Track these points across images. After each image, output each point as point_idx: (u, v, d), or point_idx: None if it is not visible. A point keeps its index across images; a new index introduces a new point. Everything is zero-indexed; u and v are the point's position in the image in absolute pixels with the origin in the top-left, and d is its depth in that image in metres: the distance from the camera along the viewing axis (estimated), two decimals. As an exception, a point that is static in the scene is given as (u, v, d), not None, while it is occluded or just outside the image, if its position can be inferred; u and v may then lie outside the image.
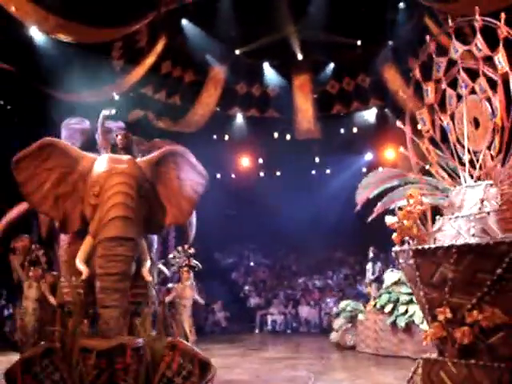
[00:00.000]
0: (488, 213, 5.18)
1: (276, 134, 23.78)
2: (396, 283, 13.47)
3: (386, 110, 22.09)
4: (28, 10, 14.54)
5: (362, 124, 22.87)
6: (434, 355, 5.29)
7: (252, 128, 23.11)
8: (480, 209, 5.28)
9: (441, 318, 5.03)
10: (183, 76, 21.71)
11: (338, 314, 15.57)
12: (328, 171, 25.51)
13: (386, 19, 19.92)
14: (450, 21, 6.65)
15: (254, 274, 24.90)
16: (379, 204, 7.14)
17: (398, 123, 6.50)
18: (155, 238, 8.46)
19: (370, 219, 7.08)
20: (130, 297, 6.95)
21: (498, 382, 4.56)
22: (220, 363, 9.61)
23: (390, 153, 21.97)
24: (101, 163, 7.27)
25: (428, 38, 6.48)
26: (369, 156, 24.38)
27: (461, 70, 6.28)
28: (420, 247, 5.26)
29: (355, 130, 22.94)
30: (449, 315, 4.95)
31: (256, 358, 12.96)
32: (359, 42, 21.16)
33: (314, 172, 26.04)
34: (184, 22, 19.86)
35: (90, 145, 8.43)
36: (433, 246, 5.18)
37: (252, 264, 26.37)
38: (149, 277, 6.98)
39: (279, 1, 18.88)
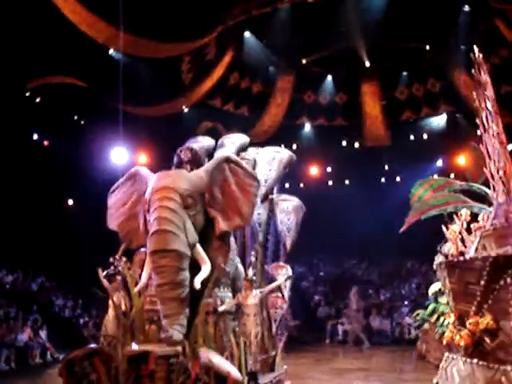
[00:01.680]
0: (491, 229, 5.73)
1: (344, 142, 23.77)
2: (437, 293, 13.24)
3: (458, 115, 21.68)
4: (100, 28, 15.17)
5: (432, 130, 22.55)
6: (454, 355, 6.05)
7: (320, 136, 23.22)
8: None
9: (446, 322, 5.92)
10: (251, 87, 22.08)
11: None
12: (398, 179, 25.22)
13: (453, 22, 19.65)
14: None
15: (325, 284, 24.81)
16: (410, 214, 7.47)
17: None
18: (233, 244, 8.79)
19: (401, 231, 7.36)
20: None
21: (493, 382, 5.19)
22: (291, 372, 9.75)
23: (461, 159, 21.50)
24: (153, 181, 7.64)
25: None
26: (440, 162, 23.95)
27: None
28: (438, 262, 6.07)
29: (425, 136, 22.65)
30: (453, 320, 5.80)
31: (327, 368, 12.93)
32: (428, 47, 20.89)
33: (383, 180, 25.81)
34: (247, 34, 20.14)
35: None
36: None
37: (322, 274, 26.29)
38: (198, 285, 7.13)
39: (344, 9, 18.84)
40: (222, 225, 7.82)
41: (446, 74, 21.13)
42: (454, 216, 6.10)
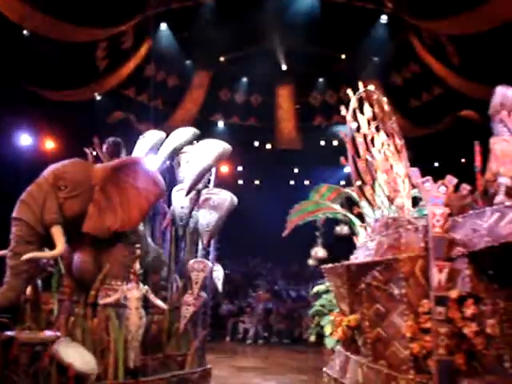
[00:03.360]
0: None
1: (256, 143, 24.08)
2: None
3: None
4: (15, 7, 14.62)
5: (342, 137, 23.26)
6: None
7: (233, 135, 23.38)
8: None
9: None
10: (166, 80, 21.91)
11: None
12: (307, 182, 25.84)
13: (369, 33, 20.41)
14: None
15: (228, 282, 24.99)
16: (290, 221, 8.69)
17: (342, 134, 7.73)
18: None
19: (284, 235, 8.90)
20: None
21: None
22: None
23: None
24: None
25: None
26: (348, 169, 24.69)
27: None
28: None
29: (335, 142, 23.36)
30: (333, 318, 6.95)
31: (226, 366, 13.08)
32: (343, 56, 21.56)
33: (292, 182, 26.37)
34: (163, 26, 19.99)
35: None
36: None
37: (227, 272, 26.44)
38: (26, 257, 7.07)
39: (265, 10, 19.13)
40: (87, 225, 7.86)
41: (358, 84, 21.87)
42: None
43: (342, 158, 7.51)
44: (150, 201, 8.31)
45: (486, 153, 6.08)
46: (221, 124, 23.67)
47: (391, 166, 7.53)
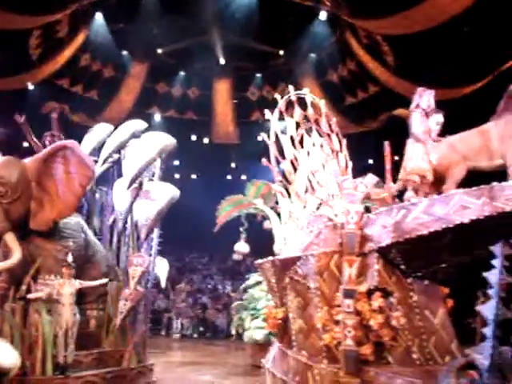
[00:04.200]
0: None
1: (194, 137, 24.14)
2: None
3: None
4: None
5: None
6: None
7: (169, 129, 23.23)
8: None
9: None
10: (102, 71, 21.72)
11: None
12: (244, 177, 26.10)
13: (308, 30, 20.78)
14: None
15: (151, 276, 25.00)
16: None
17: (265, 137, 7.94)
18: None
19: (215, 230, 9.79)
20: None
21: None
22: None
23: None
24: None
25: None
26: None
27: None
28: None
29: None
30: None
31: (160, 361, 13.03)
32: (281, 52, 21.86)
33: (229, 177, 26.56)
34: (98, 16, 19.86)
35: None
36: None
37: (163, 266, 26.47)
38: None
39: (204, 4, 19.25)
40: (34, 222, 7.95)
41: (296, 81, 22.26)
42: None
43: (264, 160, 7.72)
44: (83, 184, 8.39)
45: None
46: (157, 117, 23.65)
47: (323, 166, 7.79)
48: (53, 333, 7.55)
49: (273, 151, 7.50)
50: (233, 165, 25.98)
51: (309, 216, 7.09)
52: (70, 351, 7.63)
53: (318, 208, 7.52)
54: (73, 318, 7.71)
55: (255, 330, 12.75)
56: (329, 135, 8.05)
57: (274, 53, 21.96)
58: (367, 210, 6.34)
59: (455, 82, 16.60)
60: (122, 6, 19.39)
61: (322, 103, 8.22)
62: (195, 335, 20.25)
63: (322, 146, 8.04)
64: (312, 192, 7.37)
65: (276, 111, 7.83)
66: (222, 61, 21.94)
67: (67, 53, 19.75)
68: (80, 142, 9.62)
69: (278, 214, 12.44)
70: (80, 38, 19.76)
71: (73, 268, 7.82)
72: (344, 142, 8.16)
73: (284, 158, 7.75)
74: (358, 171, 7.68)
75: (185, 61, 22.51)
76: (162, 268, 11.19)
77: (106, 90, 21.97)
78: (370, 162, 21.55)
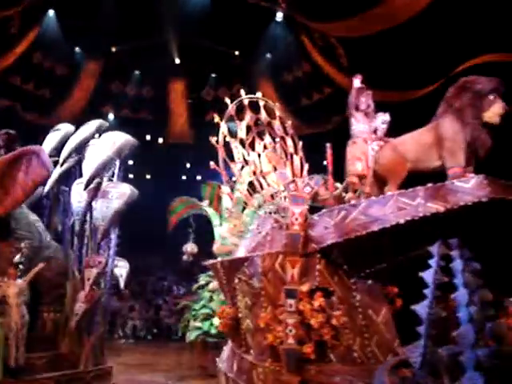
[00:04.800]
0: None
1: (148, 137, 24.05)
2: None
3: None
4: None
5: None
6: None
7: (124, 128, 23.18)
8: None
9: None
10: (54, 68, 21.46)
11: None
12: (199, 177, 26.12)
13: (264, 31, 20.89)
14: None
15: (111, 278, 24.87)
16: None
17: (213, 141, 8.20)
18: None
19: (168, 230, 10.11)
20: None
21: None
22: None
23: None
24: None
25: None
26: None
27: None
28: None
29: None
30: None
31: (114, 363, 13.03)
32: (237, 53, 21.97)
33: (184, 177, 26.54)
34: (50, 12, 19.63)
35: None
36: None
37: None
38: None
39: (160, 3, 19.22)
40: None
41: (251, 81, 22.40)
42: None
43: (212, 163, 7.87)
44: (35, 180, 8.38)
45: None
46: (111, 116, 23.47)
47: (274, 168, 7.95)
48: (3, 335, 7.50)
49: (221, 154, 7.63)
50: (188, 165, 25.96)
51: (261, 218, 7.25)
52: (21, 354, 7.59)
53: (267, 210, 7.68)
54: (21, 320, 7.67)
55: (192, 331, 12.91)
56: (283, 138, 8.17)
57: (229, 53, 22.02)
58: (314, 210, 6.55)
59: (409, 84, 16.96)
60: (76, 2, 19.21)
61: (276, 106, 8.34)
62: (149, 337, 20.23)
63: (274, 148, 8.17)
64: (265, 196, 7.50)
65: (226, 115, 7.97)
66: (178, 60, 21.92)
67: (18, 50, 19.47)
68: (32, 141, 9.56)
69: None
70: (32, 35, 19.48)
71: (18, 268, 7.79)
72: (300, 144, 8.28)
73: (233, 161, 7.89)
74: (316, 172, 7.85)
75: (140, 60, 22.40)
76: (122, 269, 11.20)
77: (59, 89, 21.70)
78: (325, 163, 21.85)
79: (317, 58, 20.79)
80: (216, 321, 11.86)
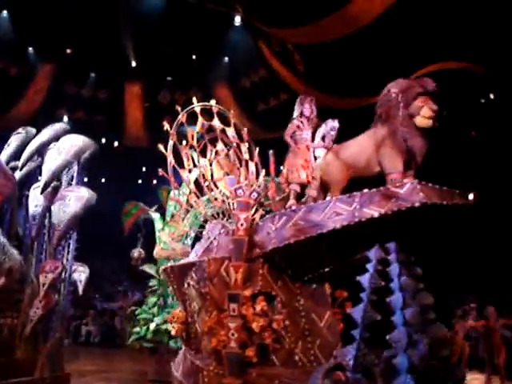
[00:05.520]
0: None
1: (104, 140, 23.94)
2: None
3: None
4: None
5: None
6: None
7: (78, 131, 23.00)
8: None
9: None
10: (8, 69, 21.21)
11: None
12: (154, 181, 26.06)
13: (223, 36, 21.06)
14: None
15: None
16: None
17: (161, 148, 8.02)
18: None
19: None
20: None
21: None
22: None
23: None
24: None
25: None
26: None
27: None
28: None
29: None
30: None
31: (67, 370, 12.89)
32: (194, 57, 22.03)
33: (140, 181, 26.46)
34: (4, 13, 19.46)
35: None
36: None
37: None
38: None
39: (117, 5, 19.18)
40: None
41: (209, 86, 22.50)
42: None
43: (160, 170, 7.93)
44: (2, 193, 8.36)
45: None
46: (65, 119, 23.26)
47: (226, 174, 8.05)
48: None
49: (169, 161, 7.71)
50: (143, 169, 25.91)
51: (212, 224, 7.36)
52: None
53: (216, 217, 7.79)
54: None
55: (132, 336, 13.00)
56: (238, 145, 8.22)
57: (186, 57, 22.06)
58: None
59: (364, 90, 17.30)
60: (30, 4, 19.04)
61: (231, 113, 8.39)
62: (103, 342, 20.12)
63: (227, 155, 8.26)
64: (214, 201, 7.61)
65: (176, 122, 8.04)
66: (134, 63, 21.88)
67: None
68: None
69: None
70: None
71: None
72: (256, 150, 8.30)
73: (183, 167, 7.98)
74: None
75: (95, 62, 22.26)
76: (81, 274, 11.12)
77: (12, 89, 21.45)
78: (282, 167, 22.06)
79: (274, 64, 21.01)
80: (152, 325, 12.02)
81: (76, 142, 9.97)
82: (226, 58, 22.30)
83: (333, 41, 17.10)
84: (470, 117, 17.79)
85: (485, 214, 17.11)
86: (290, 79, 20.65)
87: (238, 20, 20.36)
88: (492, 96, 17.82)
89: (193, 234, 11.80)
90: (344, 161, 6.31)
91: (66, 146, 9.83)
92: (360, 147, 6.22)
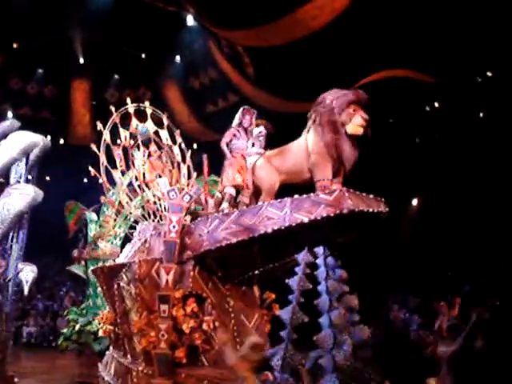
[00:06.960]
0: None
1: (49, 137, 23.52)
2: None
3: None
4: None
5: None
6: None
7: (23, 128, 22.57)
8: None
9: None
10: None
11: None
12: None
13: (175, 36, 21.01)
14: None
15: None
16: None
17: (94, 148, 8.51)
18: None
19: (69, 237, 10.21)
20: None
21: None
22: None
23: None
24: None
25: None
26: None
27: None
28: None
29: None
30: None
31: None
32: (143, 55, 21.90)
33: (86, 180, 26.13)
34: None
35: None
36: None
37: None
38: None
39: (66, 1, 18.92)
40: None
41: (158, 85, 22.39)
42: None
43: (92, 170, 7.90)
44: None
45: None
46: (10, 115, 22.81)
47: (159, 176, 8.06)
48: None
49: (102, 161, 7.69)
50: (90, 168, 25.55)
51: (144, 225, 7.37)
52: None
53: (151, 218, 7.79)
54: None
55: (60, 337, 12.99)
56: (170, 147, 8.28)
57: (135, 55, 21.91)
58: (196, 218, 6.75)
59: (314, 95, 17.46)
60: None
61: (164, 116, 8.45)
62: (45, 344, 19.77)
63: (159, 157, 8.29)
64: (146, 203, 7.62)
65: (109, 122, 8.02)
66: (82, 60, 21.61)
67: None
68: None
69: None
70: None
71: None
72: (189, 153, 8.38)
73: (115, 167, 7.95)
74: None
75: (43, 57, 21.89)
76: (28, 274, 10.92)
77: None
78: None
79: (223, 66, 21.03)
80: (77, 326, 11.96)
81: (24, 139, 9.84)
82: (178, 58, 22.19)
83: (283, 44, 17.21)
84: (415, 124, 18.18)
85: (429, 218, 17.58)
86: (239, 81, 20.68)
87: (190, 20, 20.29)
88: (437, 104, 18.23)
89: (122, 235, 11.81)
90: (276, 167, 6.40)
91: (13, 143, 9.69)
92: (292, 153, 6.34)
